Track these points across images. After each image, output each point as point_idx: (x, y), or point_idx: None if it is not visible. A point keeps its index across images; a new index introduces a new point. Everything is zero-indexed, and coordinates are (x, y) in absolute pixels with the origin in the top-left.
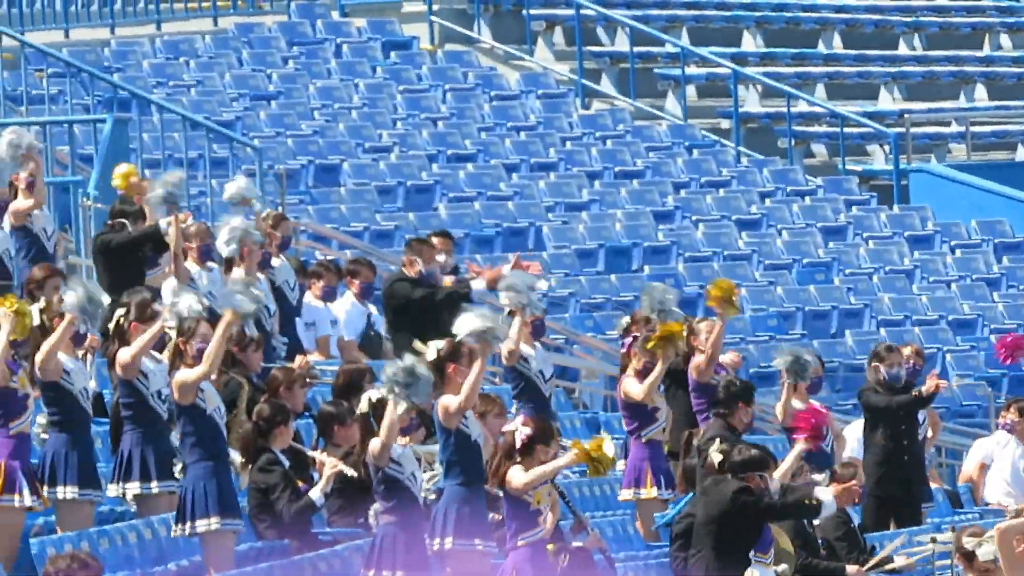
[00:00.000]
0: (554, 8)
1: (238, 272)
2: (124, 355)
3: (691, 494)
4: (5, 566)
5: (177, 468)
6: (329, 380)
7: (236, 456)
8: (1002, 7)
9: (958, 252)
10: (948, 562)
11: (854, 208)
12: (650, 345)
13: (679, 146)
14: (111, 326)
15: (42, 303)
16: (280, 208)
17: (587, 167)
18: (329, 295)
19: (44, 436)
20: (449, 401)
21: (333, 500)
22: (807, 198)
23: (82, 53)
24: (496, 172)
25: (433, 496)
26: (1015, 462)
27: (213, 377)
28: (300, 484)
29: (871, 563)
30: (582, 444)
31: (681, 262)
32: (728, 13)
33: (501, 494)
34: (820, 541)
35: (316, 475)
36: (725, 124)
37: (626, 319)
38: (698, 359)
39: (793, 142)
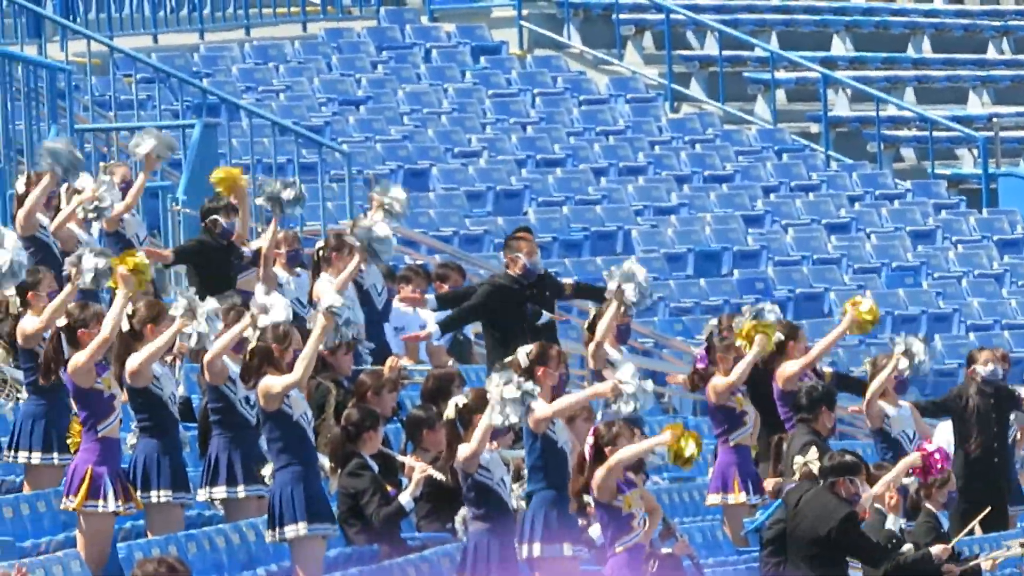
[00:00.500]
0: (643, 13)
1: (325, 277)
2: (133, 362)
3: (780, 500)
4: (94, 571)
5: (267, 472)
6: (418, 380)
7: (325, 461)
8: None
9: None
10: None
11: (943, 212)
12: (744, 332)
13: (768, 150)
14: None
15: (130, 308)
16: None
17: (676, 171)
18: (418, 300)
19: (132, 442)
20: (538, 407)
21: (422, 505)
22: (896, 202)
23: (171, 58)
24: (585, 176)
25: (524, 502)
26: None
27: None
28: (389, 489)
29: (957, 537)
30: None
31: (770, 266)
32: (817, 17)
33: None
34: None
35: (405, 480)
36: (814, 128)
37: (713, 322)
38: (792, 367)
39: (882, 146)
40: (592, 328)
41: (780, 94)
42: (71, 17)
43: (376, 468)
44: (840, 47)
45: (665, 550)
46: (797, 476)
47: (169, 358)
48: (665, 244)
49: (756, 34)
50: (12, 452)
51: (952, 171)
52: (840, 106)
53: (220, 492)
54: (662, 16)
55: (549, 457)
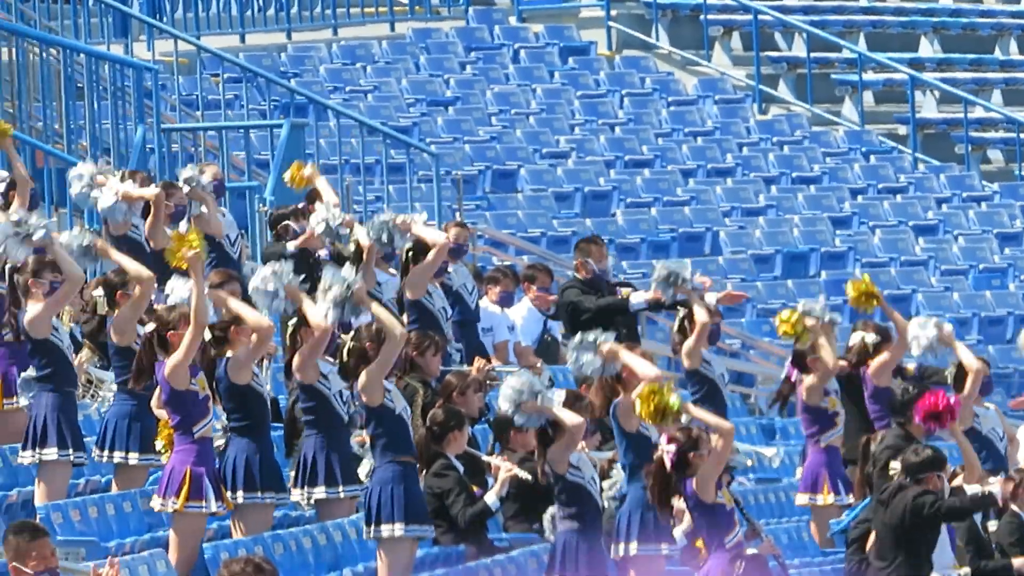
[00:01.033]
0: (732, 14)
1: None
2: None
3: (867, 500)
4: (182, 572)
5: (363, 471)
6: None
7: None
8: None
9: None
10: None
11: None
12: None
13: (856, 152)
14: (287, 335)
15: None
16: (457, 214)
17: (764, 172)
18: (506, 300)
19: (221, 442)
20: (629, 404)
21: (509, 505)
22: (983, 204)
23: (258, 58)
24: (673, 177)
25: (616, 502)
26: None
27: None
28: (475, 489)
29: None
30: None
31: (858, 267)
32: (905, 19)
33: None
34: (994, 546)
35: (491, 480)
36: (902, 130)
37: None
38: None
39: (970, 148)
40: (682, 329)
41: (868, 96)
42: (158, 16)
43: (461, 468)
44: (928, 48)
45: (751, 550)
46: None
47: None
48: (753, 245)
49: (844, 35)
50: (105, 452)
51: None
52: (928, 108)
53: (320, 492)
54: (750, 17)
55: (644, 456)
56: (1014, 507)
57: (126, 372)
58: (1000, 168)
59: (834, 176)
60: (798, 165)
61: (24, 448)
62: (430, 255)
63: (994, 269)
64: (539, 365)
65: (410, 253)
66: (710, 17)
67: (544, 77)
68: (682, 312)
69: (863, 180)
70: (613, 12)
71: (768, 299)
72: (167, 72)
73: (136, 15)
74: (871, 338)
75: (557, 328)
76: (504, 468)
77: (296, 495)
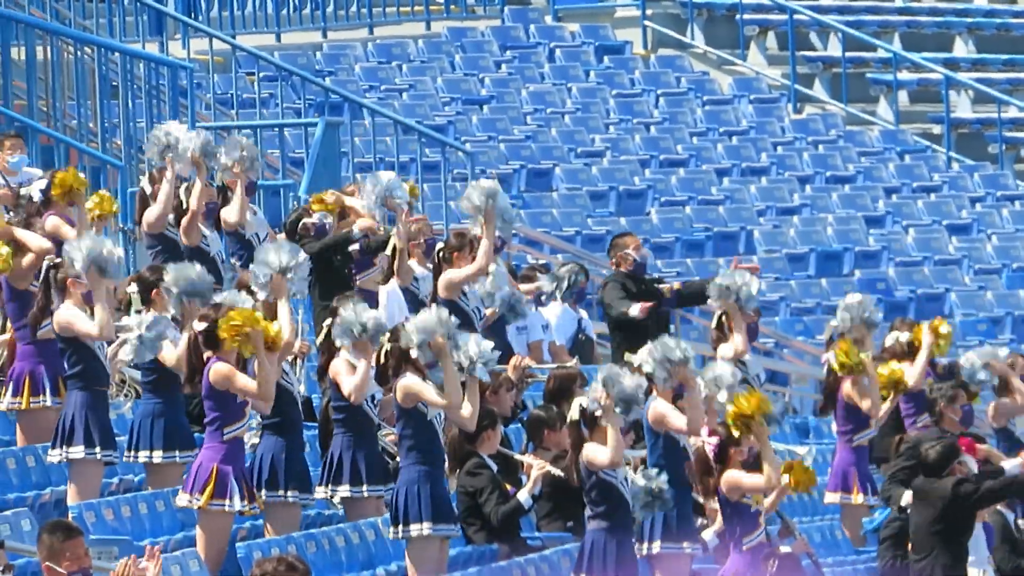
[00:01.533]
0: (767, 13)
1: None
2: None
3: None
4: (211, 569)
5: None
6: (541, 379)
7: None
8: None
9: None
10: None
11: None
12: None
13: (890, 151)
14: (320, 337)
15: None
16: None
17: (798, 171)
18: (541, 300)
19: (255, 441)
20: (660, 406)
21: (543, 504)
22: (1017, 203)
23: (293, 57)
24: (708, 177)
25: None
26: None
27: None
28: (508, 487)
29: None
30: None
31: (892, 266)
32: (940, 19)
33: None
34: None
35: (525, 478)
36: (936, 129)
37: (834, 323)
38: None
39: (1004, 147)
40: (720, 327)
41: (902, 95)
42: (193, 15)
43: (495, 467)
44: (962, 49)
45: (784, 549)
46: None
47: (290, 357)
48: (787, 244)
49: (879, 35)
50: (133, 452)
51: None
52: (962, 107)
53: (344, 491)
54: (785, 17)
55: (671, 456)
56: None
57: (154, 372)
58: None
59: (868, 175)
60: (832, 164)
61: (53, 446)
62: (471, 269)
63: None
64: (574, 362)
65: (442, 254)
66: (746, 17)
67: (579, 76)
68: (719, 310)
69: (897, 179)
70: (648, 11)
71: (802, 298)
72: (202, 71)
73: (171, 14)
74: (905, 337)
75: (591, 327)
76: (536, 466)
77: (320, 492)
